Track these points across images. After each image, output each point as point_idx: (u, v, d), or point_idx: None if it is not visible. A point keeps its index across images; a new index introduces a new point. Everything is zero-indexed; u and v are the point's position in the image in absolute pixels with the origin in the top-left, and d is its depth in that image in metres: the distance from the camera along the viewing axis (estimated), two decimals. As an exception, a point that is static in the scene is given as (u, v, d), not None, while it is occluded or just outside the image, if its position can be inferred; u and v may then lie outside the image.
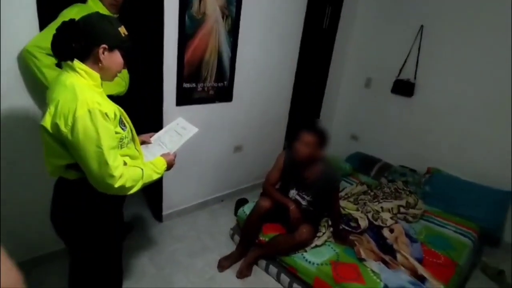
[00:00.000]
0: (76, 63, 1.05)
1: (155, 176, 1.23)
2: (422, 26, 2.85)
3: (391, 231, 2.23)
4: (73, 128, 0.97)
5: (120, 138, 1.13)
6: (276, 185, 2.16)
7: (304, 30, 2.84)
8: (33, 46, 1.43)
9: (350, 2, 3.15)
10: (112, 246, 1.32)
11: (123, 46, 1.13)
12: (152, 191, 2.51)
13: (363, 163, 3.26)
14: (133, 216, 2.51)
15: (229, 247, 2.28)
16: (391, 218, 2.33)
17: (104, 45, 1.06)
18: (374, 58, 3.24)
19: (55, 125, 0.98)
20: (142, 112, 2.23)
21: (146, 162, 1.25)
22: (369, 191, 2.73)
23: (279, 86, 2.89)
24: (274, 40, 2.64)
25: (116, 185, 1.05)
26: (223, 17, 2.22)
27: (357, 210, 2.36)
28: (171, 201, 2.50)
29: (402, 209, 2.49)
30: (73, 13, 1.43)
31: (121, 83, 1.79)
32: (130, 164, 1.17)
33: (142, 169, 1.17)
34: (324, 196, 2.04)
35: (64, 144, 1.02)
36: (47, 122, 0.99)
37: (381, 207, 2.43)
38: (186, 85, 2.21)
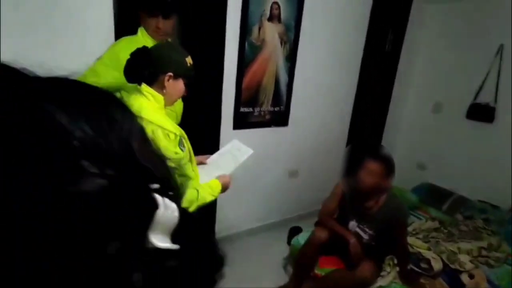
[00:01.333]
0: (144, 86, 1.11)
1: (210, 198, 1.22)
2: (502, 45, 2.56)
3: (471, 276, 1.91)
4: None
5: (179, 159, 1.14)
6: (334, 215, 2.02)
7: (365, 54, 2.74)
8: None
9: (415, 24, 2.98)
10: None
11: (187, 75, 1.17)
12: (205, 214, 2.52)
13: (433, 195, 2.92)
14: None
15: (281, 277, 2.16)
16: (471, 261, 2.00)
17: (170, 73, 1.11)
18: (444, 81, 2.98)
19: None
20: (200, 134, 2.30)
21: (201, 183, 1.25)
22: (442, 228, 2.41)
23: (337, 111, 2.79)
24: (332, 64, 2.58)
25: None
26: (281, 43, 2.24)
27: (429, 249, 2.08)
28: (223, 224, 2.48)
29: (483, 252, 2.13)
30: (121, 45, 1.44)
31: (171, 114, 1.84)
32: (186, 185, 1.17)
33: (197, 191, 1.16)
34: (389, 230, 1.84)
35: None
36: None
37: (458, 248, 2.12)
38: (243, 109, 2.24)
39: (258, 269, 2.26)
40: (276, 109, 2.41)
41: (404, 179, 3.25)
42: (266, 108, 2.36)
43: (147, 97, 1.11)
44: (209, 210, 2.43)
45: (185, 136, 1.27)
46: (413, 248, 2.07)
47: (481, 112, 2.68)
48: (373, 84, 2.98)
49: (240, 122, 2.27)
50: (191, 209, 1.14)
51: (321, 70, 2.54)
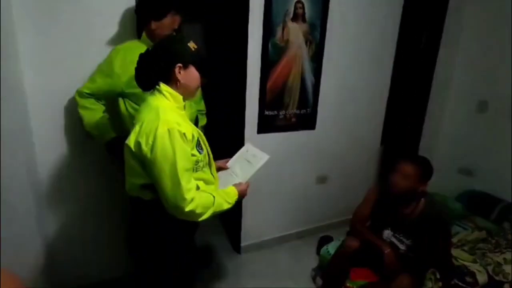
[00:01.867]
0: (162, 85, 1.08)
1: (226, 206, 1.15)
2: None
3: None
4: (153, 146, 0.98)
5: (196, 161, 1.09)
6: (366, 223, 1.87)
7: (398, 52, 2.57)
8: (76, 91, 1.52)
9: (453, 18, 2.75)
10: (181, 273, 1.25)
11: (196, 60, 1.12)
12: (231, 220, 2.46)
13: (480, 203, 2.64)
14: (207, 245, 2.49)
15: (310, 290, 2.03)
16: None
17: (178, 64, 1.07)
18: (488, 78, 2.71)
19: (137, 144, 1.00)
20: (224, 139, 2.26)
21: (218, 190, 1.19)
22: (490, 239, 2.16)
23: (369, 113, 2.63)
24: (362, 64, 2.44)
25: (187, 209, 1.00)
26: (306, 43, 2.16)
27: (475, 261, 1.86)
28: (250, 232, 2.40)
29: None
30: (115, 52, 1.48)
31: (195, 116, 1.81)
32: (203, 189, 1.12)
33: (214, 197, 1.10)
34: (429, 240, 1.66)
35: (143, 163, 1.02)
36: (131, 141, 1.01)
37: (504, 259, 1.88)
38: (267, 112, 2.18)
39: (285, 280, 2.15)
40: (303, 111, 2.31)
41: (447, 186, 3.00)
42: (292, 111, 2.27)
43: (166, 96, 1.08)
44: (234, 217, 2.38)
45: (204, 138, 1.23)
46: (457, 261, 1.86)
47: (533, 110, 2.39)
48: (408, 84, 2.78)
49: (265, 125, 2.20)
50: (206, 215, 1.08)
51: (350, 70, 2.41)
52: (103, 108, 1.55)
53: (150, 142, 0.97)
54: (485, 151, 2.77)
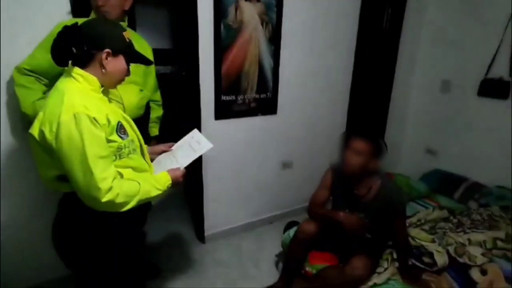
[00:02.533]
0: (73, 68, 1.00)
1: (155, 193, 1.08)
2: (514, 11, 2.27)
3: (483, 272, 1.68)
4: (57, 134, 0.89)
5: (118, 148, 1.02)
6: (325, 206, 1.84)
7: (360, 33, 2.52)
8: (15, 68, 1.40)
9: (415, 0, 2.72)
10: (124, 274, 1.19)
11: (127, 51, 1.06)
12: (195, 209, 2.41)
13: (444, 183, 2.67)
14: (171, 235, 2.44)
15: (272, 276, 2.01)
16: (483, 254, 1.77)
17: (108, 50, 1.00)
18: (451, 57, 2.70)
19: (41, 132, 0.92)
20: (181, 126, 2.19)
21: (147, 175, 1.12)
22: (451, 218, 2.17)
23: (332, 96, 2.59)
24: (323, 45, 2.38)
25: (103, 199, 0.93)
26: (262, 24, 2.08)
27: (433, 241, 1.86)
28: (214, 220, 2.36)
29: (500, 243, 1.88)
30: (59, 28, 1.36)
31: (117, 105, 1.70)
32: (129, 177, 1.05)
33: (139, 184, 1.04)
34: (385, 220, 1.65)
35: (51, 153, 0.94)
36: (34, 129, 0.93)
37: (468, 239, 1.88)
38: (225, 97, 2.10)
39: (250, 268, 2.13)
40: (262, 96, 2.25)
41: (413, 166, 3.03)
42: (250, 96, 2.20)
43: (77, 79, 0.99)
44: (197, 206, 2.32)
45: (132, 123, 1.15)
46: (415, 240, 1.86)
47: (494, 88, 2.39)
48: (372, 66, 2.75)
49: (223, 111, 2.13)
50: (131, 204, 1.01)
51: (310, 52, 2.35)
52: (44, 89, 1.41)
53: (54, 130, 0.89)
54: (450, 130, 2.79)
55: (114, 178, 0.97)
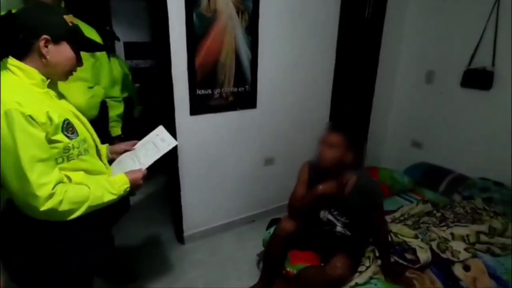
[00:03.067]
0: (8, 59, 0.88)
1: (108, 197, 0.98)
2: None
3: (467, 268, 1.64)
4: None
5: (65, 148, 0.91)
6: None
7: (341, 23, 2.44)
8: None
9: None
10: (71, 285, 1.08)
11: (72, 38, 0.94)
12: (173, 209, 2.32)
13: (429, 176, 2.63)
14: (150, 236, 2.35)
15: (252, 277, 1.94)
16: (466, 249, 1.73)
17: (45, 36, 0.88)
18: (435, 47, 2.64)
19: None
20: (154, 123, 2.08)
21: (101, 179, 1.01)
22: (435, 212, 2.13)
23: (315, 89, 2.51)
24: (303, 35, 2.29)
25: (42, 208, 0.83)
26: (238, 13, 1.97)
27: (416, 237, 1.81)
28: (193, 221, 2.27)
29: (483, 237, 1.85)
30: None
31: (96, 104, 1.60)
32: (79, 181, 0.94)
33: (89, 188, 0.93)
34: (363, 215, 1.59)
35: None
36: None
37: (452, 234, 1.84)
38: (200, 91, 2.00)
39: (229, 269, 2.05)
40: (241, 89, 2.15)
41: (399, 159, 2.99)
42: (228, 89, 2.10)
43: (13, 71, 0.88)
44: (175, 206, 2.23)
45: (83, 120, 1.04)
46: (397, 236, 1.81)
47: (478, 78, 2.35)
48: (354, 57, 2.67)
49: (198, 106, 2.02)
50: (80, 211, 0.90)
51: (290, 43, 2.25)
52: None
53: None
54: (435, 122, 2.75)
55: (57, 183, 0.86)
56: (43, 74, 0.92)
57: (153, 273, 1.98)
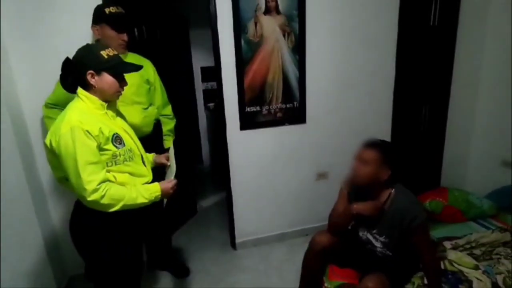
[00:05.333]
0: (79, 89, 1.21)
1: (141, 200, 1.21)
2: None
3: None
4: (59, 143, 1.10)
5: (113, 155, 1.19)
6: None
7: (401, 32, 2.32)
8: (43, 105, 1.70)
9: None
10: (127, 273, 1.34)
11: (108, 67, 1.19)
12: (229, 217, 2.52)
13: (518, 201, 2.20)
14: (208, 239, 2.60)
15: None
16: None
17: (90, 71, 1.17)
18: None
19: (50, 142, 1.14)
20: (215, 137, 2.33)
21: (139, 184, 1.26)
22: (515, 243, 1.79)
23: (372, 103, 2.42)
24: (355, 50, 2.27)
25: (89, 198, 1.10)
26: (284, 36, 2.11)
27: (476, 268, 1.56)
28: (245, 229, 2.42)
29: None
30: None
31: (150, 122, 1.87)
32: (123, 182, 1.20)
33: (127, 190, 1.18)
34: (402, 236, 1.47)
35: (58, 158, 1.16)
36: (47, 140, 1.16)
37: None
38: (249, 109, 2.18)
39: (274, 278, 2.12)
40: (289, 105, 2.25)
41: (484, 180, 2.57)
42: (276, 106, 2.23)
43: (82, 99, 1.21)
44: (229, 214, 2.42)
45: (132, 134, 1.33)
46: (453, 265, 1.59)
47: None
48: (420, 68, 2.47)
49: (248, 122, 2.21)
50: (117, 207, 1.15)
51: (341, 57, 2.26)
52: None
53: (57, 139, 1.10)
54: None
55: (102, 182, 1.13)
56: (101, 99, 1.23)
57: (203, 272, 2.19)
